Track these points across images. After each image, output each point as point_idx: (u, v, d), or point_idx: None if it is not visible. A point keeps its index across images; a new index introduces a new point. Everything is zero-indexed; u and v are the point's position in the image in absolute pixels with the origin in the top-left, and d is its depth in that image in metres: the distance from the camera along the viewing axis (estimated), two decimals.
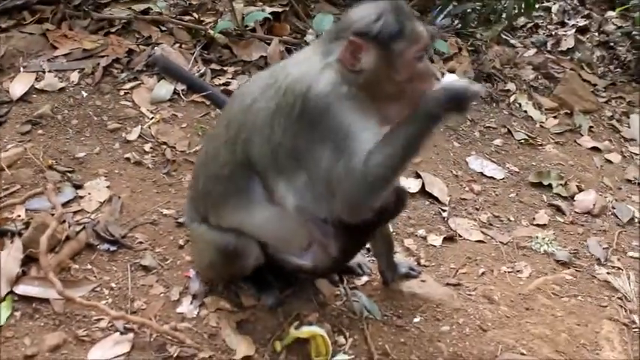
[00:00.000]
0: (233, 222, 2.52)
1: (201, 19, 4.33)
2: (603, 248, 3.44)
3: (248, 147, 2.39)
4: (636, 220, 3.75)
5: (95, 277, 2.72)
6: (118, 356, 2.41)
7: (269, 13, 4.29)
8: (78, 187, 3.15)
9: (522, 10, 5.32)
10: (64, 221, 2.88)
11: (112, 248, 2.87)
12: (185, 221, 2.88)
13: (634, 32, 5.94)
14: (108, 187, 3.17)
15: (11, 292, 2.55)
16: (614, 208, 3.82)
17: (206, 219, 2.61)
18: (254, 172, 2.41)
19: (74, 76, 3.78)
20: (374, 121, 2.28)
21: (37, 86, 3.67)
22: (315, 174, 2.29)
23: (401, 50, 2.20)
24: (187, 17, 4.34)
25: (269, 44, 4.18)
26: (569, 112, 4.73)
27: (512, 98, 4.66)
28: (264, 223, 2.46)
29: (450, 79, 2.27)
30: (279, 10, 4.41)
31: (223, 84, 3.92)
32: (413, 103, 2.24)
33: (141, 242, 2.92)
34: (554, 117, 4.64)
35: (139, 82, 3.84)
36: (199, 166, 2.71)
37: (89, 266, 2.77)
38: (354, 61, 2.23)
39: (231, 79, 4.00)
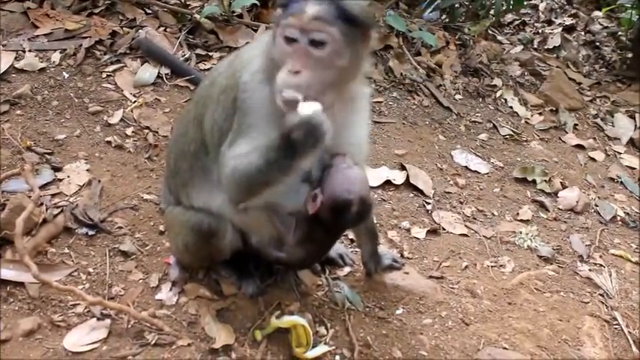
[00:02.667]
0: (199, 202, 2.48)
1: (188, 3, 4.26)
2: (586, 245, 3.45)
3: (203, 122, 2.38)
4: (618, 218, 3.76)
5: (72, 261, 2.66)
6: (94, 342, 2.34)
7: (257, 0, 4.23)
8: (57, 169, 3.07)
9: (510, 7, 5.31)
10: (42, 204, 2.81)
11: (91, 232, 2.80)
12: (161, 206, 2.83)
13: (619, 33, 5.98)
14: (88, 170, 3.10)
15: None
16: (597, 205, 3.83)
17: (179, 200, 2.57)
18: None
19: (55, 57, 3.69)
20: (273, 127, 2.17)
21: (16, 65, 3.57)
22: None
23: (278, 22, 2.11)
24: (173, 0, 4.26)
25: (256, 31, 4.12)
26: (554, 109, 4.73)
27: (498, 94, 4.65)
28: (223, 204, 2.40)
29: (307, 110, 2.04)
30: None
31: (208, 69, 3.85)
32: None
33: (120, 227, 2.86)
34: (540, 114, 4.64)
35: (122, 64, 3.76)
36: (171, 144, 2.70)
37: (66, 250, 2.70)
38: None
39: (217, 64, 3.93)
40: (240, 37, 4.07)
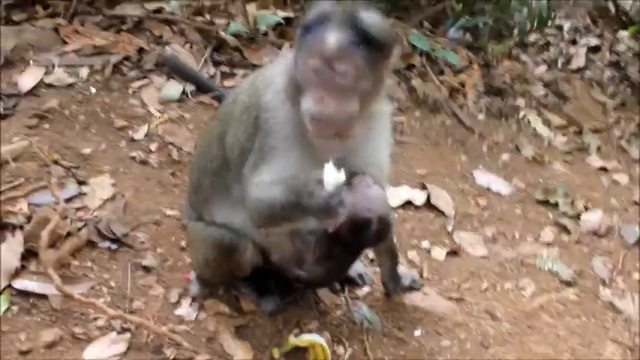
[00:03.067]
0: (221, 218, 2.51)
1: (213, 20, 4.32)
2: (608, 269, 3.41)
3: (225, 139, 2.41)
4: None
5: (95, 274, 2.70)
6: (114, 356, 2.38)
7: (281, 18, 4.28)
8: (82, 183, 3.12)
9: (534, 27, 5.30)
10: (67, 217, 2.85)
11: (113, 247, 2.84)
12: (183, 221, 2.86)
13: None
14: (112, 184, 3.14)
15: (9, 286, 2.52)
16: (620, 229, 3.78)
17: (201, 216, 2.60)
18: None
19: (84, 72, 3.76)
20: (296, 152, 2.22)
21: (46, 80, 3.64)
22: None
23: (301, 48, 2.10)
24: (199, 18, 4.32)
25: (280, 49, 4.16)
26: (578, 130, 4.70)
27: (521, 114, 4.63)
28: (244, 223, 2.42)
29: (329, 176, 2.05)
30: (292, 15, 4.39)
31: (232, 86, 3.89)
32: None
33: (142, 242, 2.90)
34: (563, 135, 4.61)
35: (148, 80, 3.82)
36: (194, 160, 2.76)
37: (89, 263, 2.75)
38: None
39: (240, 82, 3.98)
40: (264, 55, 4.12)
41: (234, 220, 2.47)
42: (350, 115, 2.10)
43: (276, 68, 2.36)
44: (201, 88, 3.84)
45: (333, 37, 2.01)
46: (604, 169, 4.38)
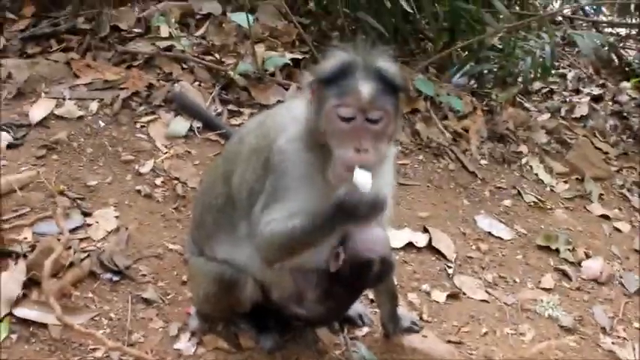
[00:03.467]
0: (222, 254, 2.53)
1: (222, 60, 4.40)
2: (609, 317, 3.40)
3: (231, 178, 2.45)
4: None
5: (95, 305, 2.71)
6: None
7: (289, 59, 4.36)
8: (87, 214, 3.16)
9: (538, 75, 5.38)
10: (70, 247, 2.88)
11: (115, 278, 2.86)
12: (185, 256, 2.88)
13: None
14: (116, 217, 3.18)
15: (10, 314, 2.53)
16: (621, 277, 3.78)
17: (203, 251, 2.62)
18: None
19: (93, 106, 3.84)
20: (310, 191, 2.26)
21: (56, 112, 3.73)
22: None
23: (327, 98, 2.14)
24: (209, 57, 4.41)
25: (287, 89, 4.24)
26: (580, 177, 4.72)
27: (523, 160, 4.67)
28: (248, 260, 2.45)
29: (362, 178, 2.07)
30: (300, 56, 4.48)
31: (240, 124, 3.95)
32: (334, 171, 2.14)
33: (144, 275, 2.91)
34: (565, 182, 4.64)
35: (156, 116, 3.89)
36: (198, 196, 2.80)
37: (90, 294, 2.76)
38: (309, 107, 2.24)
39: (246, 122, 4.03)
40: (271, 95, 4.19)
41: (237, 256, 2.48)
42: (382, 159, 2.19)
43: (287, 114, 2.40)
44: (209, 125, 3.90)
45: (366, 88, 2.10)
46: (605, 217, 4.39)
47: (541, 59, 5.06)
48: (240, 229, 2.44)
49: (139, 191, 3.39)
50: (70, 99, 3.85)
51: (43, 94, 3.82)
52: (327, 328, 2.82)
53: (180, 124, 3.86)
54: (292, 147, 2.27)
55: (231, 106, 4.12)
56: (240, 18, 4.15)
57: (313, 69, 2.32)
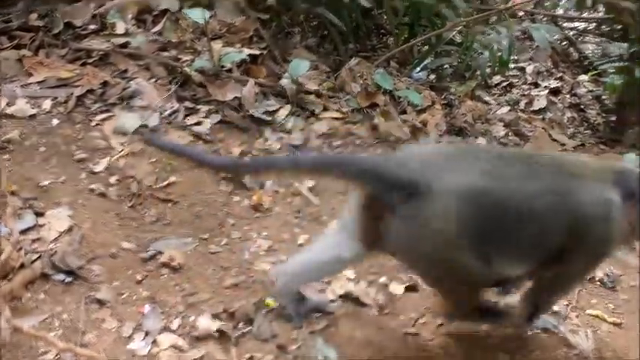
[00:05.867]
0: None
1: (179, 56, 4.36)
2: (563, 304, 3.45)
3: None
4: (597, 279, 3.77)
5: (47, 307, 2.66)
6: None
7: (247, 55, 4.34)
8: (39, 214, 3.10)
9: (496, 69, 5.45)
10: (21, 248, 2.82)
11: (68, 279, 2.81)
12: None
13: (604, 96, 6.11)
14: (69, 216, 3.12)
15: None
16: None
17: None
18: None
19: (47, 104, 3.77)
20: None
21: (7, 111, 3.64)
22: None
23: None
24: (165, 53, 4.37)
25: (245, 85, 4.21)
26: None
27: None
28: None
29: None
30: (257, 52, 4.46)
31: (197, 123, 3.91)
32: None
33: (97, 275, 2.87)
34: None
35: (111, 114, 3.83)
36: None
37: (42, 296, 2.71)
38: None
39: (204, 117, 4.00)
40: (228, 92, 4.14)
41: None
42: None
43: (593, 193, 2.44)
44: (192, 159, 3.62)
45: None
46: None
47: (499, 53, 5.13)
48: None
49: (92, 190, 3.33)
50: (22, 97, 3.77)
51: None
52: (286, 322, 2.80)
53: (131, 121, 3.77)
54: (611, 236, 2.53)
55: (187, 103, 4.07)
56: (196, 14, 4.10)
57: None
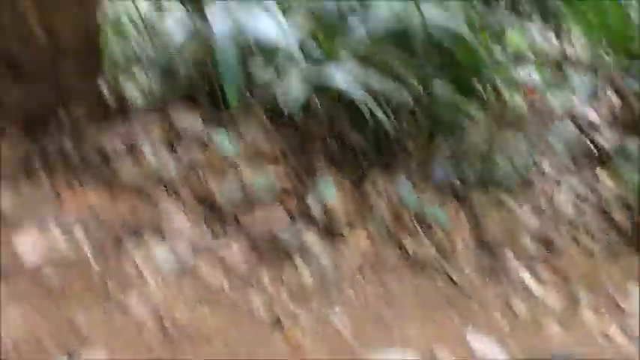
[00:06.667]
0: None
1: (207, 180, 4.37)
2: None
3: None
4: None
5: None
6: None
7: (274, 178, 4.36)
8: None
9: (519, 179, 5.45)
10: None
11: None
12: None
13: (625, 195, 6.01)
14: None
15: None
16: None
17: None
18: None
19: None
20: None
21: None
22: None
23: None
24: (193, 178, 4.39)
25: (273, 212, 4.21)
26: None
27: (511, 269, 4.66)
28: None
29: None
30: (284, 176, 4.49)
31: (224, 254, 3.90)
32: None
33: None
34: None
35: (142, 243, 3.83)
36: None
37: None
38: None
39: (235, 247, 3.97)
40: (258, 219, 4.17)
41: None
42: None
43: None
44: None
45: None
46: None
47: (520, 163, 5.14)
48: None
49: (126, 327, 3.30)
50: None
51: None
52: None
53: (163, 254, 3.78)
54: None
55: (217, 230, 4.07)
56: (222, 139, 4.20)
57: None
